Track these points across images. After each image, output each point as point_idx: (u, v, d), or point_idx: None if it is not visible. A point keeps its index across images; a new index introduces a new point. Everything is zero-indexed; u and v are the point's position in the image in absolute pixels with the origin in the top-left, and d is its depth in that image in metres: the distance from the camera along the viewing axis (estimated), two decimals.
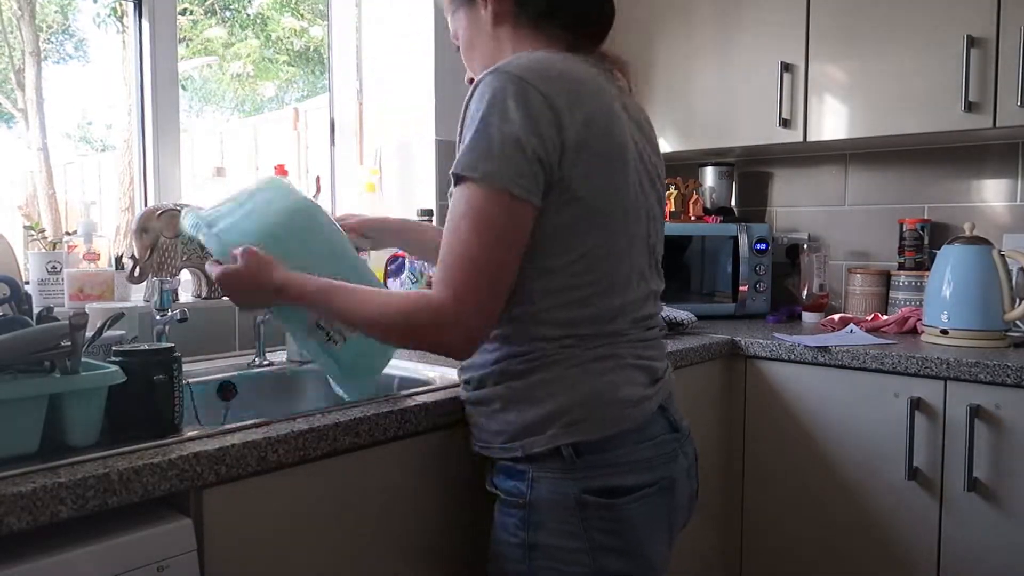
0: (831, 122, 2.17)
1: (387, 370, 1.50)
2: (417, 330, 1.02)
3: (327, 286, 1.09)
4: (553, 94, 0.99)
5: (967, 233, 1.93)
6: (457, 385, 1.28)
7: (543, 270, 1.05)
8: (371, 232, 1.43)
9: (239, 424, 1.09)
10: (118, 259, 1.69)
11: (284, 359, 1.67)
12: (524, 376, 1.08)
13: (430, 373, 1.52)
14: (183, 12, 2.27)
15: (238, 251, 1.10)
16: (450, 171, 1.01)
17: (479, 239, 0.97)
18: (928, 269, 2.11)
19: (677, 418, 1.17)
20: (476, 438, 1.17)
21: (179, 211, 1.67)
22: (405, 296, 1.11)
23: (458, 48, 1.23)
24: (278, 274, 1.10)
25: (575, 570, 1.06)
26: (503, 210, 0.97)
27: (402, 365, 1.60)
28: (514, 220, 0.99)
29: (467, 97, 1.02)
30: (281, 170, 1.93)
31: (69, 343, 0.95)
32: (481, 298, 0.99)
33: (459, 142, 1.01)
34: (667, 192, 2.46)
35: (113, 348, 1.08)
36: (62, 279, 1.56)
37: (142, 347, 1.08)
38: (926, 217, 2.31)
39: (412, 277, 1.79)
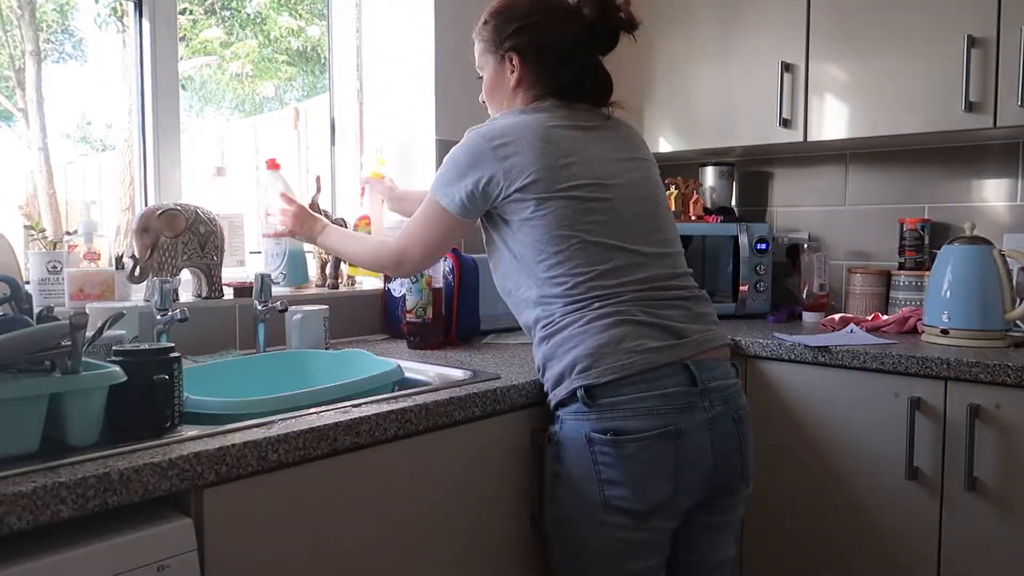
0: (831, 122, 2.17)
1: (386, 370, 1.50)
2: (380, 263, 1.56)
3: (337, 229, 1.68)
4: (497, 142, 1.35)
5: (967, 233, 1.92)
6: (457, 385, 1.38)
7: (535, 261, 1.34)
8: (398, 193, 2.02)
9: (239, 424, 1.09)
10: (118, 259, 1.69)
11: None
12: (550, 339, 1.33)
13: (430, 373, 1.52)
14: (183, 12, 2.27)
15: (288, 196, 1.71)
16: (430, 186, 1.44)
17: (427, 229, 1.45)
18: (928, 269, 2.10)
19: (706, 377, 1.30)
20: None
21: (179, 211, 1.67)
22: (376, 242, 1.62)
23: (479, 77, 1.51)
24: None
25: (588, 496, 1.28)
26: (439, 216, 1.42)
27: (403, 365, 1.60)
28: (442, 223, 1.43)
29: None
30: (273, 164, 1.93)
31: (69, 343, 0.95)
32: (416, 256, 1.47)
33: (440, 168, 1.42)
34: (668, 192, 2.46)
35: (113, 348, 1.08)
36: (62, 279, 1.56)
37: (142, 347, 1.08)
38: (926, 217, 2.30)
39: (412, 277, 1.79)
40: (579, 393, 1.27)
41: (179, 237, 1.66)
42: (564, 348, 1.31)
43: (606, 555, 1.30)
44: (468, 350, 1.80)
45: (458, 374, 1.48)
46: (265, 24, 2.65)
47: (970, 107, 1.94)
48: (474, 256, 1.96)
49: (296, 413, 1.16)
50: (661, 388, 1.27)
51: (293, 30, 2.69)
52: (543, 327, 1.35)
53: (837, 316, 2.19)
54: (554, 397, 1.34)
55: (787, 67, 2.21)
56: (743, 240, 2.34)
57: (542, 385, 1.40)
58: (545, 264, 1.33)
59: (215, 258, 1.75)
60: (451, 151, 1.40)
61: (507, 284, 1.43)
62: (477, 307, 1.96)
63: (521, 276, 1.37)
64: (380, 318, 2.08)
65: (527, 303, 1.38)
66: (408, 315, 1.82)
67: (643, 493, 1.27)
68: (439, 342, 1.84)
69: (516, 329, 1.80)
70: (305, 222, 1.66)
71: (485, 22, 1.45)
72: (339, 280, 2.04)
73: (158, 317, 1.44)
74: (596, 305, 1.30)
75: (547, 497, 1.37)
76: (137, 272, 1.61)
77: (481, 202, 1.36)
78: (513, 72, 1.42)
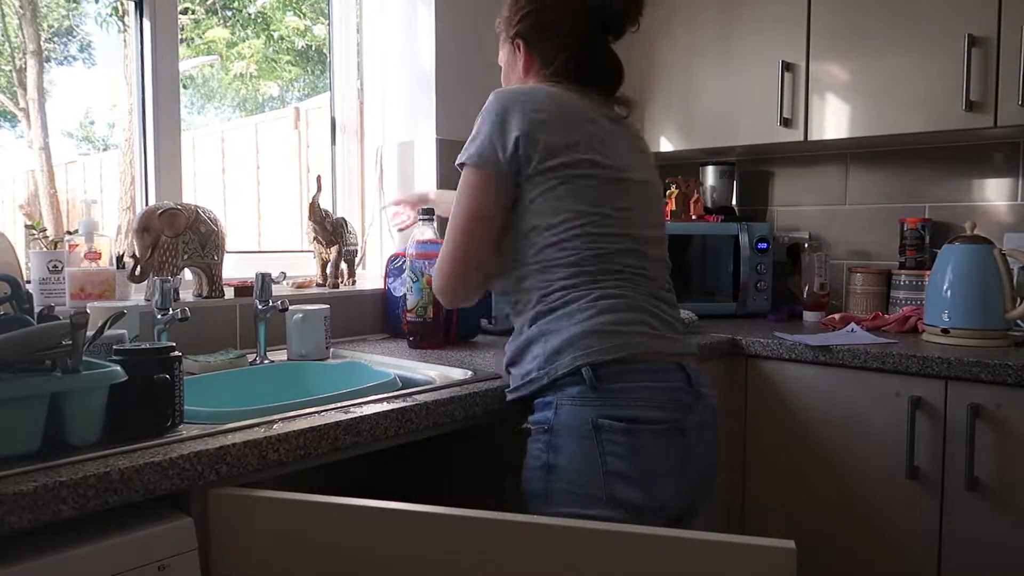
0: (832, 121, 2.17)
1: (386, 369, 1.50)
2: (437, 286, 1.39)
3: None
4: (513, 106, 1.27)
5: (968, 232, 1.92)
6: (457, 384, 1.35)
7: (541, 236, 1.27)
8: (429, 204, 1.86)
9: (240, 423, 1.09)
10: (119, 258, 1.69)
11: (285, 358, 1.67)
12: (550, 313, 1.25)
13: (431, 372, 1.52)
14: (184, 11, 2.27)
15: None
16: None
17: (460, 207, 1.32)
18: (929, 268, 2.10)
19: (698, 381, 1.27)
20: (511, 388, 1.30)
21: (180, 210, 1.67)
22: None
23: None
24: None
25: (589, 492, 1.17)
26: (474, 181, 1.30)
27: (403, 364, 1.60)
28: (481, 187, 1.30)
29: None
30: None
31: (70, 342, 0.95)
32: (454, 271, 1.34)
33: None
34: (668, 192, 2.46)
35: (114, 347, 1.08)
36: (63, 278, 1.56)
37: (143, 346, 1.08)
38: (927, 216, 2.30)
39: (412, 276, 1.79)
40: (586, 373, 1.19)
41: (180, 236, 1.66)
42: (567, 322, 1.23)
43: None
44: (468, 350, 1.80)
45: (458, 374, 1.48)
46: (269, 24, 2.65)
47: (971, 106, 1.94)
48: None
49: (296, 412, 1.16)
50: (666, 381, 1.23)
51: (299, 29, 2.69)
52: (540, 302, 1.26)
53: (838, 315, 2.19)
54: (546, 376, 1.23)
55: (788, 66, 2.21)
56: (744, 239, 2.34)
57: (512, 368, 1.31)
58: (553, 233, 1.25)
59: (215, 257, 1.75)
60: (481, 114, 1.31)
61: (508, 251, 1.33)
62: (478, 306, 1.96)
63: (520, 246, 1.29)
64: (381, 317, 2.08)
65: (525, 275, 1.29)
66: (408, 315, 1.82)
67: (652, 489, 1.19)
68: (439, 342, 1.84)
69: None
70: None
71: (503, 12, 1.46)
72: (340, 280, 2.04)
73: (159, 316, 1.44)
74: (604, 283, 1.25)
75: (531, 494, 1.22)
76: (138, 271, 1.62)
77: (513, 156, 1.26)
78: (521, 57, 1.42)
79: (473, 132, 1.31)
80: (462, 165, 1.31)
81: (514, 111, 1.26)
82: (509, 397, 1.31)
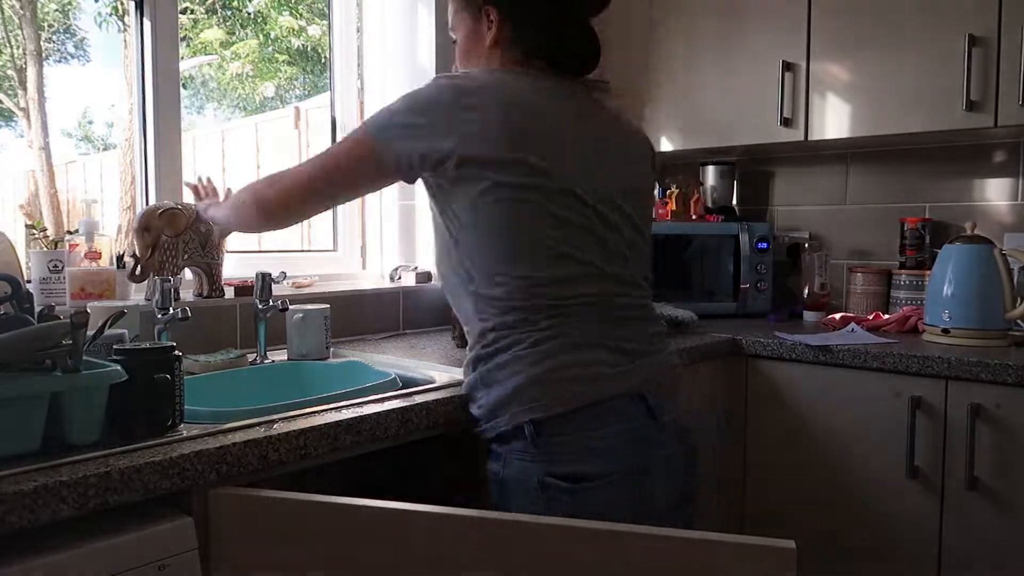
0: (832, 121, 2.17)
1: (387, 369, 1.50)
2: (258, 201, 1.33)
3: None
4: (454, 99, 1.14)
5: (968, 232, 1.92)
6: (458, 384, 1.32)
7: (482, 256, 1.15)
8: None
9: (240, 423, 1.09)
10: (119, 258, 1.69)
11: (285, 358, 1.67)
12: (488, 360, 1.16)
13: (431, 372, 1.52)
14: (184, 11, 2.27)
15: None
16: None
17: (337, 162, 1.23)
18: (929, 268, 2.10)
19: (660, 408, 1.16)
20: (476, 425, 1.22)
21: (180, 209, 1.67)
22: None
23: (454, 41, 1.31)
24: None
25: None
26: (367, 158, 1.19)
27: (403, 364, 1.60)
28: (368, 170, 1.21)
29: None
30: None
31: (70, 341, 0.95)
32: (303, 189, 1.26)
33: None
34: (668, 192, 2.46)
35: (114, 347, 1.08)
36: (63, 278, 1.56)
37: (143, 346, 1.08)
38: (927, 216, 2.30)
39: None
40: (527, 430, 1.10)
41: (180, 236, 1.66)
42: (505, 372, 1.13)
43: None
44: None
45: (459, 374, 1.48)
46: (266, 24, 2.65)
47: (971, 106, 1.94)
48: None
49: (296, 412, 1.16)
50: (620, 422, 1.12)
51: (294, 29, 2.69)
52: (478, 340, 1.17)
53: (838, 315, 2.19)
54: (491, 429, 1.16)
55: (788, 66, 2.21)
56: (744, 239, 2.34)
57: (467, 407, 1.22)
58: (489, 260, 1.14)
59: (216, 257, 1.75)
60: (412, 92, 1.17)
61: (442, 267, 1.24)
62: None
63: (457, 264, 1.18)
64: (385, 316, 2.08)
65: (463, 298, 1.20)
66: None
67: None
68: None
69: None
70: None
71: None
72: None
73: (159, 316, 1.44)
74: (543, 323, 1.12)
75: None
76: (138, 271, 1.61)
77: (417, 164, 1.15)
78: (491, 28, 1.24)
79: (398, 105, 1.16)
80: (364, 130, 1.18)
81: (447, 113, 1.12)
82: (476, 431, 1.22)
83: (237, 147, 2.56)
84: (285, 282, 2.07)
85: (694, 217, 2.45)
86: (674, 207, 2.44)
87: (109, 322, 1.12)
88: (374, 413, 1.17)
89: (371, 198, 2.36)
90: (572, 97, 1.23)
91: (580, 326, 1.14)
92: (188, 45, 2.40)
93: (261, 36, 2.64)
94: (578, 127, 1.21)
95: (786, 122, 2.23)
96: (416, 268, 2.18)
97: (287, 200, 1.26)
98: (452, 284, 1.22)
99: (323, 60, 2.49)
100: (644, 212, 1.29)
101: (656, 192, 1.38)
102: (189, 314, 1.45)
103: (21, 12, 1.99)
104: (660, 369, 1.22)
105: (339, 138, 1.33)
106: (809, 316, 2.31)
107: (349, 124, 2.36)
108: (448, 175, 1.13)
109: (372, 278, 2.29)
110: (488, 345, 1.16)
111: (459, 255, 1.18)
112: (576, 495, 1.08)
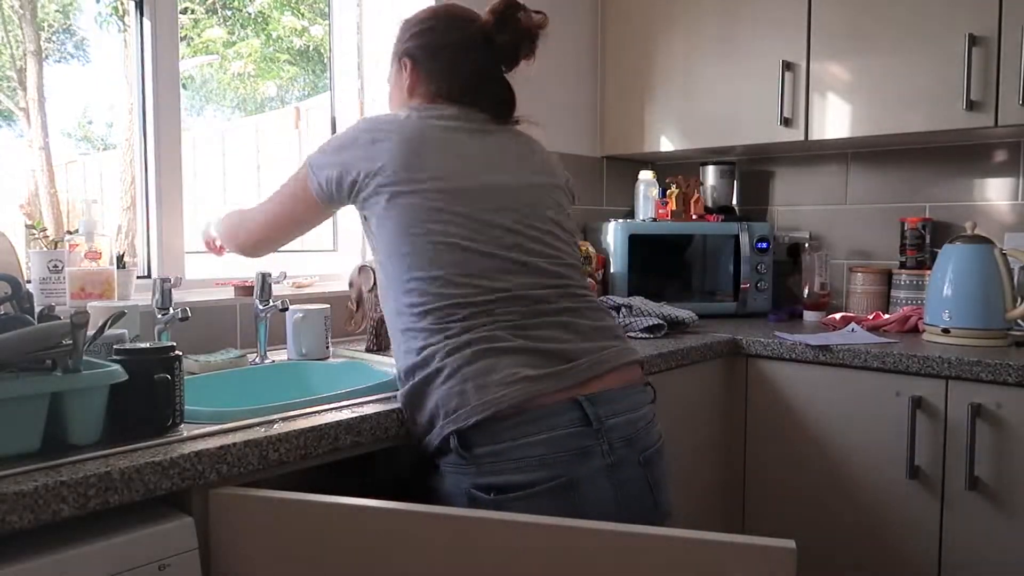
0: (833, 121, 2.17)
1: (387, 369, 1.50)
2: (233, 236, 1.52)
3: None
4: (371, 133, 1.25)
5: (968, 232, 1.92)
6: None
7: (394, 266, 1.19)
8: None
9: (240, 423, 1.09)
10: (119, 257, 1.69)
11: (285, 358, 1.67)
12: (412, 375, 1.16)
13: None
14: (184, 11, 2.27)
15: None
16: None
17: (282, 202, 1.38)
18: (929, 268, 2.11)
19: (600, 412, 1.11)
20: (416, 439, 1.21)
21: (369, 265, 1.78)
22: (237, 214, 1.53)
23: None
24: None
25: None
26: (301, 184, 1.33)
27: None
28: (305, 206, 1.35)
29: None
30: None
31: (70, 341, 0.95)
32: (257, 233, 1.45)
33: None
34: (668, 191, 2.46)
35: (114, 347, 1.08)
36: (63, 278, 1.56)
37: (143, 346, 1.08)
38: (927, 216, 2.30)
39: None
40: (452, 442, 1.09)
41: (372, 291, 1.75)
42: (430, 387, 1.13)
43: None
44: None
45: None
46: (268, 24, 2.65)
47: (971, 106, 1.94)
48: None
49: (296, 412, 1.16)
50: (548, 430, 1.08)
51: (296, 29, 2.69)
52: (404, 354, 1.18)
53: (838, 315, 2.19)
54: (428, 444, 1.16)
55: (788, 66, 2.21)
56: (744, 239, 2.34)
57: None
58: (399, 269, 1.18)
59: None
60: (337, 134, 1.32)
61: (382, 298, 1.27)
62: None
63: (384, 284, 1.23)
64: None
65: (390, 317, 1.23)
66: None
67: None
68: None
69: None
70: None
71: (396, 33, 1.42)
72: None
73: (159, 316, 1.44)
74: (456, 327, 1.12)
75: None
76: (351, 324, 1.81)
77: (336, 192, 1.26)
78: (407, 78, 1.37)
79: (328, 143, 1.31)
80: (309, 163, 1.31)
81: (357, 144, 1.25)
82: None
83: (237, 147, 2.56)
84: (285, 282, 2.07)
85: (694, 217, 2.45)
86: (674, 207, 2.44)
87: (109, 322, 1.12)
88: (374, 413, 1.17)
89: None
90: (474, 122, 1.30)
91: (495, 330, 1.13)
92: (189, 45, 2.40)
93: (263, 36, 2.64)
94: (474, 143, 1.27)
95: (786, 122, 2.23)
96: None
97: (256, 241, 1.48)
98: (385, 307, 1.25)
99: (324, 60, 2.49)
100: (557, 206, 1.31)
101: (567, 189, 1.39)
102: (189, 314, 1.46)
103: (21, 12, 1.99)
104: (602, 366, 1.16)
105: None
106: (809, 316, 2.31)
107: (349, 124, 2.36)
108: (362, 199, 1.23)
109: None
110: (411, 361, 1.16)
111: (383, 275, 1.24)
112: (500, 507, 1.05)
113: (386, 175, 1.19)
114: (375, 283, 1.73)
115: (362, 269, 1.80)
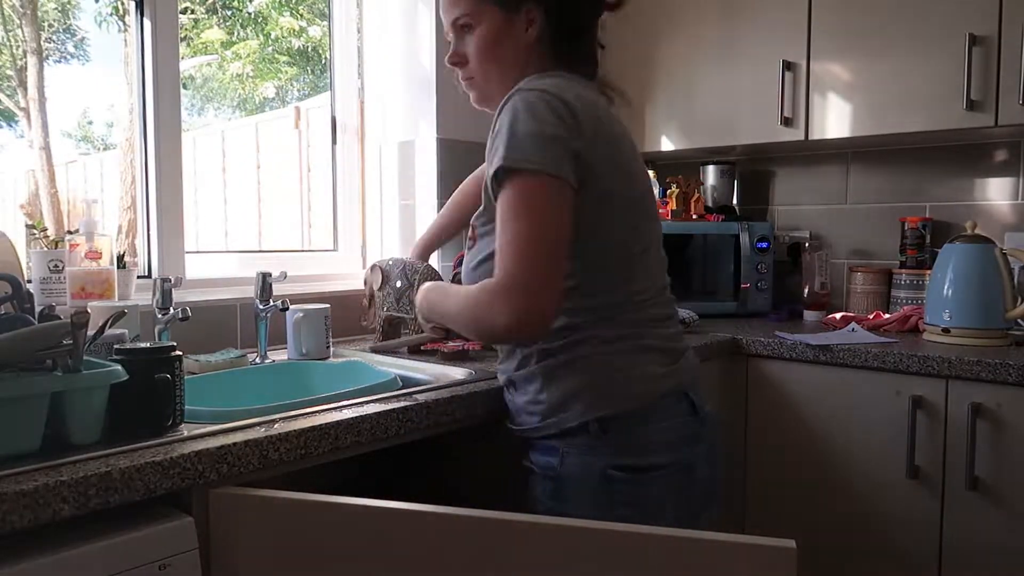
0: (833, 120, 2.17)
1: (387, 369, 1.50)
2: (480, 318, 1.08)
3: (434, 297, 1.27)
4: (572, 103, 1.10)
5: (969, 231, 1.92)
6: (458, 384, 1.34)
7: (570, 258, 1.10)
8: (429, 250, 1.82)
9: (241, 423, 1.09)
10: (120, 257, 1.69)
11: (285, 358, 1.67)
12: (557, 355, 1.16)
13: (431, 372, 1.52)
14: (184, 11, 2.27)
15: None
16: (493, 170, 1.08)
17: (527, 221, 1.04)
18: (930, 267, 2.10)
19: (699, 403, 1.23)
20: (514, 420, 1.25)
21: (379, 265, 1.80)
22: (471, 287, 1.13)
23: (464, 27, 1.23)
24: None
25: None
26: (546, 192, 1.05)
27: (403, 364, 1.60)
28: (556, 200, 1.06)
29: (497, 113, 1.12)
30: None
31: (71, 341, 0.95)
32: (532, 274, 1.03)
33: (491, 151, 1.10)
34: (669, 191, 2.46)
35: (115, 346, 1.08)
36: (64, 277, 1.56)
37: (144, 345, 1.08)
38: (928, 215, 2.30)
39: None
40: (592, 428, 1.13)
41: (382, 290, 1.78)
42: (573, 369, 1.15)
43: None
44: None
45: (459, 373, 1.48)
46: (266, 24, 2.65)
47: (971, 106, 1.93)
48: None
49: (297, 412, 1.16)
50: (672, 419, 1.18)
51: (294, 30, 2.69)
52: (559, 339, 1.15)
53: (838, 315, 2.19)
54: (553, 424, 1.16)
55: (788, 66, 2.21)
56: (744, 239, 2.34)
57: (513, 391, 1.23)
58: (577, 265, 1.11)
59: (408, 311, 1.69)
60: (511, 116, 1.07)
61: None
62: None
63: None
64: None
65: None
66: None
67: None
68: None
69: None
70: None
71: None
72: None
73: (159, 316, 1.44)
74: (609, 322, 1.15)
75: None
76: (364, 321, 1.84)
77: (577, 166, 1.08)
78: (530, 29, 1.19)
79: (518, 129, 1.06)
80: (511, 171, 1.05)
81: (564, 116, 1.07)
82: (515, 431, 1.24)
83: (237, 147, 2.56)
84: (285, 282, 2.07)
85: (694, 217, 2.45)
86: (674, 206, 2.44)
87: (109, 322, 1.12)
88: (374, 413, 1.17)
89: (371, 198, 2.36)
90: (600, 100, 1.23)
91: (636, 326, 1.18)
92: (188, 45, 2.40)
93: (261, 36, 2.64)
94: (617, 130, 1.20)
95: (786, 122, 2.23)
96: None
97: (532, 312, 1.05)
98: None
99: (323, 60, 2.49)
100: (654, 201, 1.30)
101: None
102: (189, 314, 1.46)
103: (21, 11, 1.99)
104: (694, 366, 1.27)
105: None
106: (809, 316, 2.31)
107: (349, 124, 2.36)
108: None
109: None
110: (557, 340, 1.16)
111: None
112: (638, 485, 1.14)
113: (594, 163, 1.12)
114: (383, 281, 1.76)
115: (373, 268, 1.81)
